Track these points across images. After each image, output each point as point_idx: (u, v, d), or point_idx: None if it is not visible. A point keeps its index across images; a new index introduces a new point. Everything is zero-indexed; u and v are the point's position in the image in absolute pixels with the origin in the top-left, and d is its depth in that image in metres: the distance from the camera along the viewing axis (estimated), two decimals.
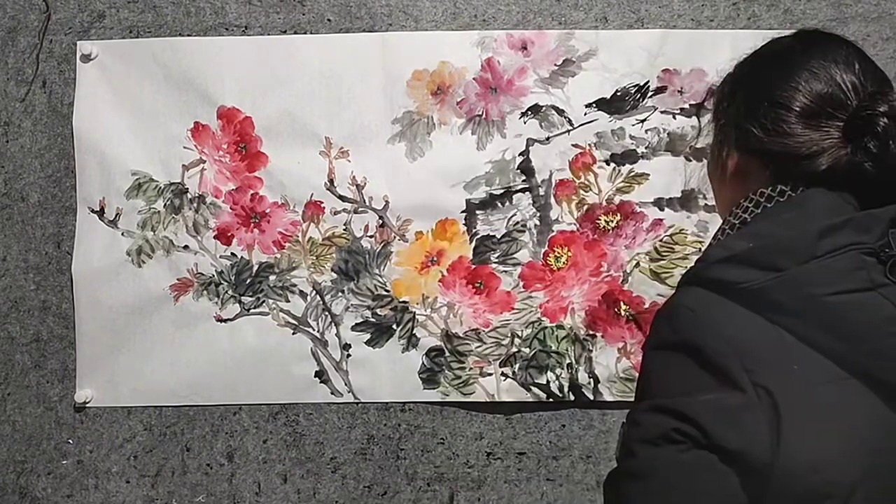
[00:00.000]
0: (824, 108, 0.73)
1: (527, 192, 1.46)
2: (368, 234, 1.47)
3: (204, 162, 1.48)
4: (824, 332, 0.66)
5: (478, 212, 1.46)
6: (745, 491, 0.63)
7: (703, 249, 1.44)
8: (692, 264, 0.78)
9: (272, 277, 1.48)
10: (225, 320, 1.47)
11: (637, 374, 1.43)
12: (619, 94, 1.45)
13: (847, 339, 0.65)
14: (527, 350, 1.45)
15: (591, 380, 1.45)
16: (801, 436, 0.62)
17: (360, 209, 1.47)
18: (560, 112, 1.45)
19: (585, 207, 1.45)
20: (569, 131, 1.45)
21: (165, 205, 1.48)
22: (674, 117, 1.45)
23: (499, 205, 1.46)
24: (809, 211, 0.72)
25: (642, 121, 1.45)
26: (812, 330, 0.66)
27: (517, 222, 1.46)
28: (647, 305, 1.44)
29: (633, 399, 1.43)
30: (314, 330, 1.47)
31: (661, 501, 0.66)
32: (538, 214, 1.46)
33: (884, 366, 0.64)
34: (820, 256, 0.67)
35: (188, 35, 1.48)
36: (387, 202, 1.46)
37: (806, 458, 0.62)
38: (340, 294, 1.47)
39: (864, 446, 0.63)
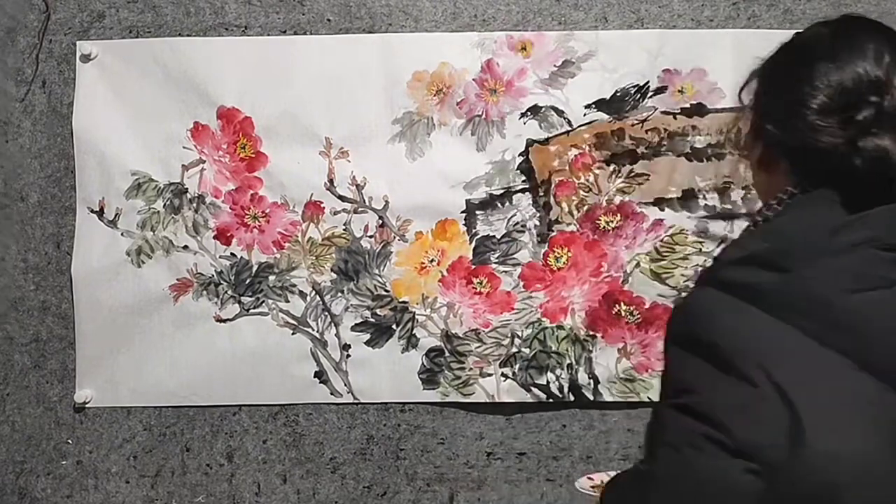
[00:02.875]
0: (842, 103, 0.71)
1: (527, 193, 1.46)
2: (368, 234, 1.47)
3: (204, 162, 1.48)
4: (839, 330, 0.65)
5: (478, 212, 1.46)
6: (764, 488, 0.63)
7: (703, 249, 1.44)
8: (710, 262, 0.78)
9: (272, 277, 1.47)
10: (224, 320, 1.47)
11: (636, 375, 1.44)
12: (618, 94, 1.45)
13: (862, 337, 0.65)
14: (527, 350, 1.45)
15: (591, 380, 1.45)
16: (819, 431, 0.63)
17: (360, 209, 1.47)
18: (559, 113, 1.45)
19: (585, 208, 1.45)
20: (568, 132, 1.45)
21: (165, 205, 1.48)
22: (674, 117, 1.45)
23: (499, 205, 1.46)
24: (821, 208, 0.71)
25: (642, 121, 1.45)
26: (827, 329, 0.66)
27: (517, 222, 1.46)
28: (647, 305, 1.44)
29: (633, 399, 1.44)
30: (314, 330, 1.47)
31: None
32: (538, 215, 1.45)
33: None
34: (833, 254, 0.67)
35: (188, 35, 1.48)
36: (387, 202, 1.46)
37: (825, 452, 0.62)
38: (340, 294, 1.47)
39: (881, 441, 0.64)
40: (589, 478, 1.16)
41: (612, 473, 0.92)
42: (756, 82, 0.84)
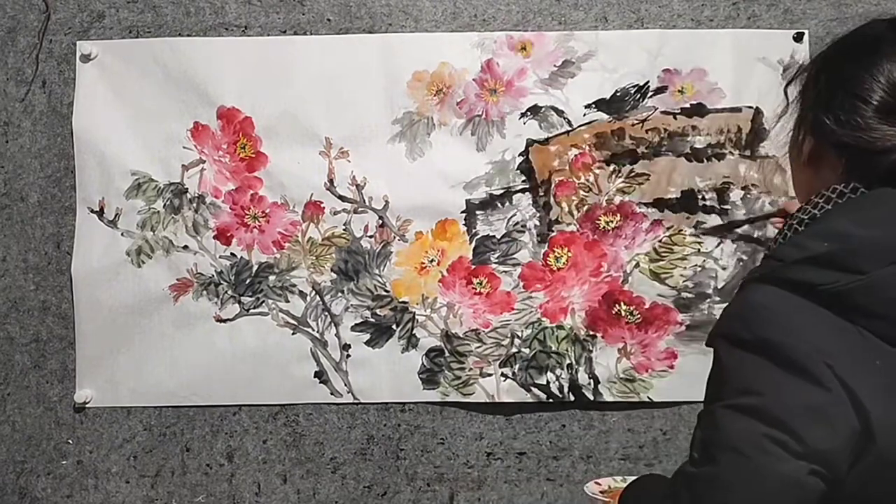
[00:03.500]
0: None
1: (527, 193, 1.46)
2: (368, 234, 1.47)
3: (204, 162, 1.48)
4: None
5: (478, 212, 1.46)
6: (826, 490, 0.63)
7: (703, 249, 1.44)
8: (760, 262, 0.76)
9: (272, 277, 1.47)
10: (224, 320, 1.47)
11: (636, 375, 1.44)
12: (618, 94, 1.45)
13: None
14: (527, 350, 1.45)
15: (591, 380, 1.45)
16: (890, 435, 0.63)
17: (360, 209, 1.47)
18: (559, 113, 1.45)
19: (585, 208, 1.45)
20: (568, 132, 1.45)
21: (165, 205, 1.48)
22: (674, 117, 1.45)
23: (499, 205, 1.46)
24: (887, 210, 0.70)
25: (642, 121, 1.45)
26: (894, 330, 0.66)
27: (517, 222, 1.46)
28: (647, 305, 1.44)
29: (633, 399, 1.44)
30: (314, 330, 1.47)
31: None
32: (538, 215, 1.46)
33: None
34: None
35: (188, 35, 1.48)
36: (387, 202, 1.46)
37: (895, 458, 0.62)
38: (340, 294, 1.47)
39: None
40: (597, 483, 1.16)
41: (619, 478, 0.91)
42: (809, 76, 0.82)
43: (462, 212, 1.46)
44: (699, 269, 1.44)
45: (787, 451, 0.63)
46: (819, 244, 0.70)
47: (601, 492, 1.12)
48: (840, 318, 0.67)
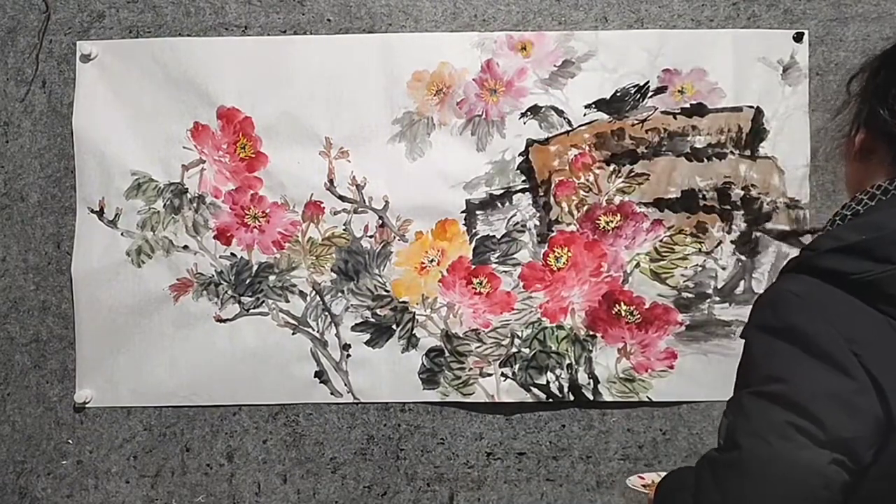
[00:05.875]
0: None
1: (527, 193, 1.46)
2: (368, 234, 1.47)
3: (204, 162, 1.48)
4: None
5: (478, 212, 1.46)
6: (849, 480, 0.63)
7: (703, 249, 1.44)
8: (797, 254, 0.76)
9: (272, 277, 1.48)
10: (224, 320, 1.47)
11: (636, 375, 1.44)
12: (618, 94, 1.45)
13: None
14: (527, 350, 1.45)
15: (591, 380, 1.45)
16: None
17: (360, 209, 1.47)
18: (559, 113, 1.45)
19: (585, 208, 1.45)
20: (568, 132, 1.45)
21: (165, 205, 1.48)
22: (674, 117, 1.45)
23: (499, 205, 1.46)
24: None
25: (642, 121, 1.45)
26: None
27: (517, 222, 1.46)
28: (647, 305, 1.44)
29: (633, 399, 1.44)
30: (314, 330, 1.47)
31: (763, 500, 0.64)
32: (538, 215, 1.46)
33: None
34: None
35: (188, 35, 1.48)
36: (387, 202, 1.46)
37: None
38: (340, 294, 1.47)
39: None
40: (640, 477, 1.17)
41: (663, 473, 0.93)
42: (871, 70, 0.84)
43: (462, 212, 1.46)
44: (699, 269, 1.44)
45: (809, 438, 0.63)
46: (855, 235, 0.70)
47: (643, 485, 1.13)
48: (870, 307, 0.67)
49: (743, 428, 0.68)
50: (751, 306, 0.77)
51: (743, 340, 0.75)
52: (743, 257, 1.44)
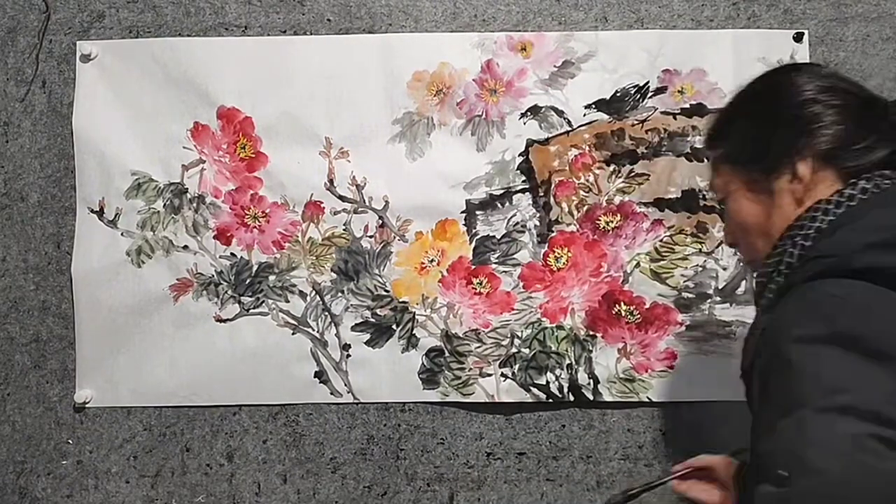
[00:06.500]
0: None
1: (527, 193, 1.46)
2: (368, 234, 1.47)
3: (204, 162, 1.48)
4: None
5: (478, 212, 1.46)
6: None
7: (704, 249, 1.44)
8: (808, 268, 0.74)
9: (272, 277, 1.47)
10: (224, 320, 1.47)
11: (636, 375, 1.44)
12: (618, 94, 1.45)
13: None
14: (526, 350, 1.45)
15: (591, 380, 1.45)
16: None
17: (360, 209, 1.47)
18: (559, 113, 1.45)
19: (585, 208, 1.45)
20: (568, 132, 1.45)
21: (165, 205, 1.48)
22: (674, 117, 1.45)
23: (499, 205, 1.46)
24: None
25: (642, 121, 1.45)
26: None
27: (517, 223, 1.46)
28: (647, 305, 1.44)
29: (633, 399, 1.44)
30: (314, 330, 1.47)
31: None
32: (538, 215, 1.46)
33: None
34: None
35: (188, 35, 1.48)
36: (387, 202, 1.46)
37: None
38: (340, 294, 1.47)
39: None
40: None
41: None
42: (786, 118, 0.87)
43: (462, 212, 1.46)
44: (700, 269, 1.44)
45: (889, 446, 0.59)
46: (877, 233, 0.69)
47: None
48: None
49: (814, 450, 0.60)
50: (765, 323, 0.73)
51: (742, 341, 0.74)
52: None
